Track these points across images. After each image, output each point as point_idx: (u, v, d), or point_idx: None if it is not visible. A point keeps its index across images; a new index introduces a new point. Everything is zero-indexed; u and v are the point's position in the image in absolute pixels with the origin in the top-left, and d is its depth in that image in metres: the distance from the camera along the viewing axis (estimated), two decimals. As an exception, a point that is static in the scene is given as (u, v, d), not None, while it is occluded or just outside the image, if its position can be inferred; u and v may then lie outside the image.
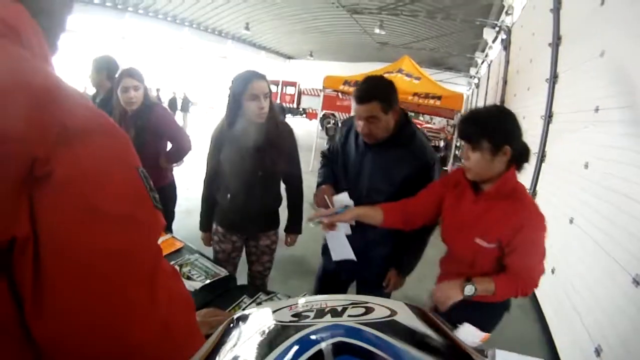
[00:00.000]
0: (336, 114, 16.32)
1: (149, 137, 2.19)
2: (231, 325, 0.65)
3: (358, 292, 1.88)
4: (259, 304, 1.33)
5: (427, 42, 14.49)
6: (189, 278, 1.47)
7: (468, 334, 1.47)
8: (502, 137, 1.26)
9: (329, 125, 15.42)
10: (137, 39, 13.97)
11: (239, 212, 1.88)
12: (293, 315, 0.60)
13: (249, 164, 1.77)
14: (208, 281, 1.46)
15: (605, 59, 2.81)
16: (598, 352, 2.01)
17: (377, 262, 1.77)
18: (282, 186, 2.01)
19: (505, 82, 7.81)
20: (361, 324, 0.53)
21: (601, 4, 2.90)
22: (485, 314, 1.36)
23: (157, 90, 13.22)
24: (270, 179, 1.86)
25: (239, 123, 1.74)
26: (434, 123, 18.11)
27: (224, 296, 1.39)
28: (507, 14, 7.17)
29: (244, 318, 0.65)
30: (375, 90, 1.54)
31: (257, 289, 1.51)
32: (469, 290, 1.27)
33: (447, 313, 1.27)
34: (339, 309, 0.60)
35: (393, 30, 13.97)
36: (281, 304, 0.68)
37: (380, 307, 0.60)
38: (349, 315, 0.57)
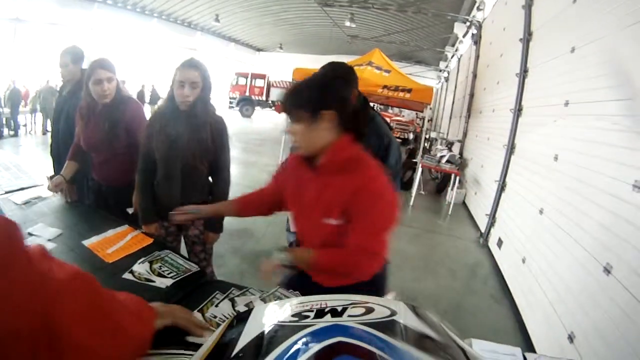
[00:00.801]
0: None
1: (122, 131, 2.08)
2: (231, 325, 0.65)
3: None
4: (232, 299, 1.29)
5: (397, 36, 14.64)
6: (160, 275, 1.42)
7: None
8: (319, 103, 1.19)
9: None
10: (106, 30, 13.41)
11: (164, 200, 1.88)
12: (293, 315, 0.60)
13: (172, 153, 1.80)
14: (179, 277, 1.42)
15: (576, 55, 2.90)
16: (571, 338, 2.09)
17: None
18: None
19: (475, 76, 8.00)
20: (361, 324, 0.54)
21: (573, 2, 2.98)
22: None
23: (123, 82, 12.69)
24: (192, 170, 1.85)
25: (168, 110, 1.80)
26: (403, 116, 18.51)
27: (195, 292, 1.34)
28: (478, 9, 7.32)
29: (243, 318, 0.65)
30: (336, 69, 1.70)
31: (229, 284, 1.46)
32: (281, 255, 1.22)
33: None
34: (339, 309, 0.61)
35: (363, 23, 14.00)
36: (281, 304, 0.69)
37: (380, 307, 0.62)
38: (349, 315, 0.58)
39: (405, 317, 0.59)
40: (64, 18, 12.28)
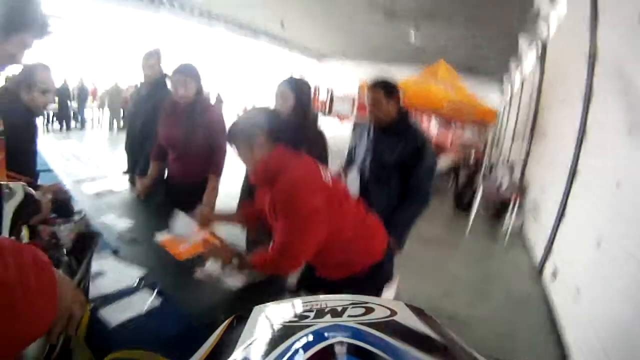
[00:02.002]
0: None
1: (200, 133, 2.27)
2: (231, 325, 0.67)
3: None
4: None
5: (462, 47, 14.20)
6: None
7: (183, 225, 1.69)
8: (246, 134, 1.41)
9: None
10: (173, 36, 13.61)
11: None
12: (293, 316, 0.61)
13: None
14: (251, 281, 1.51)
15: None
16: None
17: None
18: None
19: (539, 95, 7.59)
20: (361, 324, 0.54)
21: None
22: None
23: (208, 92, 13.28)
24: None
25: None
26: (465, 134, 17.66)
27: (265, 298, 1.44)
28: (545, 23, 6.97)
29: (243, 318, 0.67)
30: (380, 82, 2.08)
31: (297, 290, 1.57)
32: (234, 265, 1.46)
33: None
34: (339, 309, 0.61)
35: (428, 33, 13.76)
36: (281, 304, 0.71)
37: (380, 307, 0.62)
38: (349, 316, 0.59)
39: (406, 317, 0.59)
40: (133, 21, 12.81)
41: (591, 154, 3.87)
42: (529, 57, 9.58)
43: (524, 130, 8.87)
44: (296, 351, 0.47)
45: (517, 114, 10.68)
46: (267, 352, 0.48)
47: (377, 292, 1.53)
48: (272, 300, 1.31)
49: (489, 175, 8.18)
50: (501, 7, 8.03)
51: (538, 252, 4.88)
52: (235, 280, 1.47)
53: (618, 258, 2.54)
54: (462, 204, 7.05)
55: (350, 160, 2.34)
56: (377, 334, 0.51)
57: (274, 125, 1.43)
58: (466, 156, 10.13)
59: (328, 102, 20.06)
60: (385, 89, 2.07)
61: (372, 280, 1.58)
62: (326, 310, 0.61)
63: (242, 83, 19.92)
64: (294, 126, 1.57)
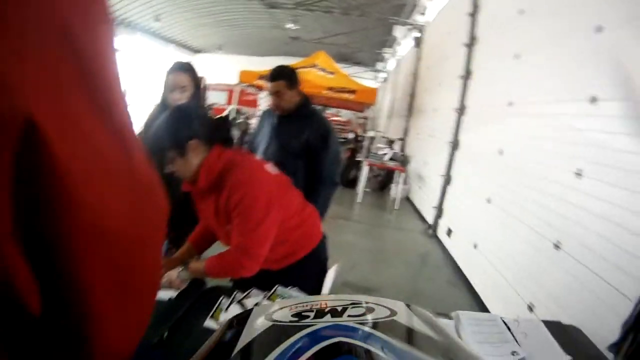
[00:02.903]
0: (244, 109, 15.97)
1: None
2: (231, 325, 0.64)
3: None
4: (240, 301, 1.29)
5: (338, 38, 14.96)
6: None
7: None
8: (180, 142, 1.30)
9: (239, 121, 14.87)
10: None
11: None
12: (293, 315, 0.60)
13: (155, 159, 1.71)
14: (183, 286, 1.40)
15: (520, 60, 3.26)
16: (531, 308, 2.39)
17: None
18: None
19: (415, 77, 8.50)
20: (361, 324, 0.55)
21: (519, 13, 3.34)
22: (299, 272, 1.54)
23: None
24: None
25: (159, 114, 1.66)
26: (341, 116, 18.92)
27: (200, 301, 1.32)
28: (421, 14, 7.77)
29: (243, 319, 0.65)
30: (281, 72, 2.14)
31: (231, 288, 1.48)
32: (183, 274, 1.40)
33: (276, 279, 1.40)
34: (339, 309, 0.61)
35: (305, 24, 14.10)
36: (281, 304, 0.68)
37: (380, 307, 0.62)
38: (349, 316, 0.58)
39: (406, 317, 0.59)
40: None
41: (470, 127, 4.53)
42: (402, 44, 10.59)
43: (401, 108, 9.89)
44: (296, 351, 0.47)
45: (394, 94, 11.80)
46: (267, 352, 0.48)
47: (319, 277, 1.54)
48: (206, 304, 1.27)
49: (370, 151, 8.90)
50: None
51: (427, 216, 5.56)
52: (167, 293, 1.36)
53: (507, 211, 3.07)
54: (348, 179, 7.54)
55: (252, 150, 2.34)
56: (377, 334, 0.52)
57: (202, 125, 1.35)
58: (345, 135, 10.87)
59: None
60: (286, 78, 2.12)
61: (312, 265, 1.62)
62: (326, 310, 0.61)
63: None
64: (217, 122, 1.48)
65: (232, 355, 0.51)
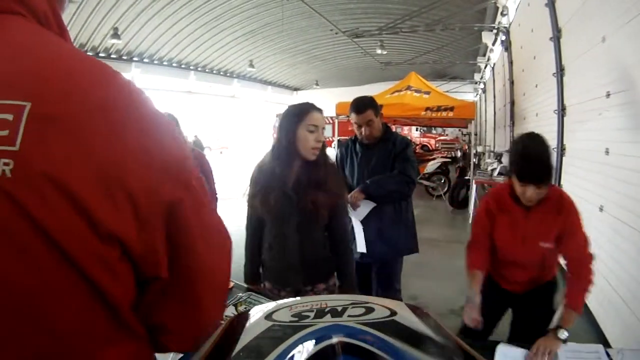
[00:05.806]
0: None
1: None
2: (231, 325, 0.66)
3: (379, 274, 2.37)
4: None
5: (429, 56, 14.68)
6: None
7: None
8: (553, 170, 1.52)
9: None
10: (145, 87, 14.25)
11: (281, 263, 1.68)
12: (293, 315, 0.61)
13: (287, 207, 1.59)
14: None
15: (607, 44, 2.81)
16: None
17: (392, 241, 2.27)
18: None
19: (512, 83, 7.80)
20: (361, 324, 0.55)
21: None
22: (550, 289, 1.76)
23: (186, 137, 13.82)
24: (310, 224, 1.63)
25: (283, 161, 1.60)
26: (447, 135, 18.06)
27: None
28: (502, 14, 7.25)
29: (244, 318, 0.66)
30: (367, 102, 2.24)
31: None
32: (563, 334, 1.37)
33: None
34: (339, 309, 0.61)
35: (394, 48, 14.20)
36: (281, 304, 0.70)
37: (380, 307, 0.62)
38: (349, 316, 0.59)
39: (406, 318, 0.59)
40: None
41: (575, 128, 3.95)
42: (495, 50, 9.89)
43: (503, 118, 9.07)
44: (296, 351, 0.47)
45: (494, 104, 10.93)
46: (268, 352, 0.48)
47: None
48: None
49: (478, 167, 8.28)
50: (458, 8, 8.34)
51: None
52: None
53: (621, 219, 2.56)
54: (458, 200, 7.12)
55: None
56: (377, 334, 0.51)
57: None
58: (453, 154, 10.32)
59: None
60: (373, 107, 2.21)
61: None
62: (326, 310, 0.61)
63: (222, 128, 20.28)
64: None
65: (233, 354, 0.52)
